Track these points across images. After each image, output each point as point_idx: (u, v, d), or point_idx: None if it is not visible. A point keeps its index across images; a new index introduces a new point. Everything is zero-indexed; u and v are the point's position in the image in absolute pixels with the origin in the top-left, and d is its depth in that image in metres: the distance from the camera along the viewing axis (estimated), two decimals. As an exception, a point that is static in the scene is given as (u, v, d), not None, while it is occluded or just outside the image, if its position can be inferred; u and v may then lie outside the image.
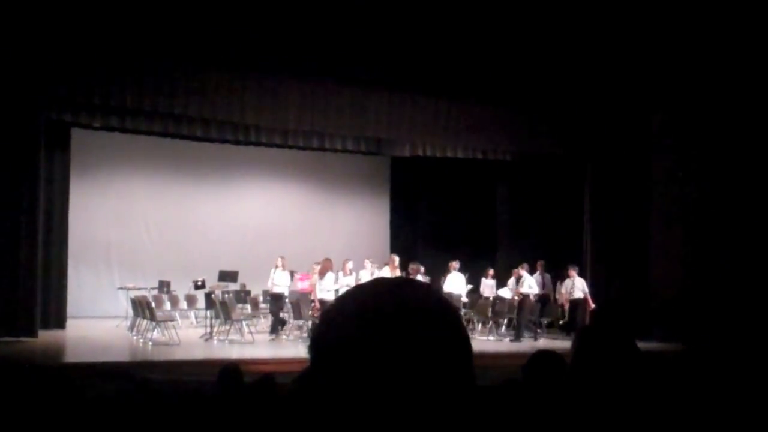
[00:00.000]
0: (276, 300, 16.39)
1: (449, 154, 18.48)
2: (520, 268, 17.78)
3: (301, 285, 17.30)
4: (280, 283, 16.52)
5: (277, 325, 16.33)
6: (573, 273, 17.12)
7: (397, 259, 17.16)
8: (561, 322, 17.66)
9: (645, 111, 17.52)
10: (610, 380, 2.41)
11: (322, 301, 15.48)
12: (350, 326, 1.08)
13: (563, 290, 17.60)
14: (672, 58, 16.64)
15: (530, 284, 17.47)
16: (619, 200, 17.78)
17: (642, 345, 2.58)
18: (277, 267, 16.55)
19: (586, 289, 17.03)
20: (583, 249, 18.21)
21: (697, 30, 15.93)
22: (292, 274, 17.34)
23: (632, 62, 16.85)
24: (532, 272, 17.74)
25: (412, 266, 17.36)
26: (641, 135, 17.61)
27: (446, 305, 1.13)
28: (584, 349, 2.52)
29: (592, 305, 16.97)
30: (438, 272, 18.11)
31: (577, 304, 16.92)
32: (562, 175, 18.99)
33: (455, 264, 17.54)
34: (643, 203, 17.68)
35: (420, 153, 18.44)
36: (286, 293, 16.61)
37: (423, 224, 22.82)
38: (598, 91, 17.35)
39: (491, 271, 18.81)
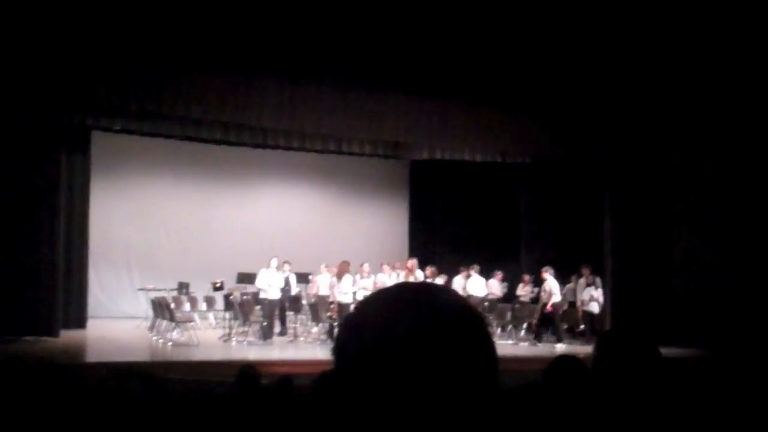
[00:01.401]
0: (270, 303, 16.11)
1: (468, 157, 18.42)
2: (470, 269, 17.83)
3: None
4: (275, 284, 16.19)
5: (269, 330, 15.93)
6: (545, 275, 17.09)
7: (415, 262, 17.15)
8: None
9: (667, 113, 17.36)
10: (631, 386, 2.40)
11: (339, 304, 15.51)
12: (374, 330, 1.08)
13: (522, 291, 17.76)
14: (693, 63, 16.53)
15: (475, 286, 17.45)
16: (641, 203, 17.63)
17: (664, 350, 2.56)
18: (269, 267, 16.29)
19: (555, 291, 16.97)
20: (604, 252, 18.08)
21: (712, 38, 15.85)
22: (307, 276, 17.42)
23: (654, 65, 16.74)
24: (578, 277, 17.56)
25: (429, 269, 17.35)
26: (663, 136, 17.45)
27: (470, 310, 1.13)
28: (606, 354, 2.50)
29: (548, 308, 16.94)
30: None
31: (554, 307, 17.00)
32: (582, 178, 18.86)
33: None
34: (666, 206, 17.53)
35: (438, 156, 18.39)
36: (269, 296, 16.12)
37: (442, 228, 22.74)
38: (620, 92, 17.23)
39: (500, 274, 18.69)
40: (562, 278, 18.04)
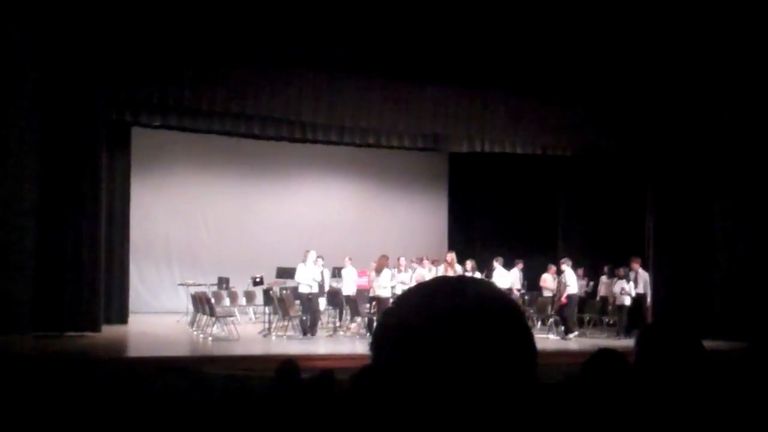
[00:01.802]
0: (307, 298, 15.87)
1: (508, 149, 18.29)
2: (493, 261, 17.81)
3: (358, 281, 17.37)
4: (302, 279, 15.95)
5: (308, 326, 15.71)
6: (563, 266, 17.10)
7: (453, 256, 17.10)
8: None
9: (710, 103, 17.08)
10: (674, 380, 2.36)
11: (378, 298, 15.50)
12: (412, 324, 1.07)
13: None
14: (733, 52, 16.27)
15: (499, 278, 17.43)
16: (683, 195, 17.39)
17: (706, 344, 2.52)
18: (306, 261, 16.02)
19: (570, 283, 16.87)
20: (646, 245, 17.88)
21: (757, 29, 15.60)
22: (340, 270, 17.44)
23: (698, 57, 16.49)
24: (630, 269, 17.35)
25: (469, 263, 17.30)
26: (706, 127, 17.19)
27: (509, 303, 1.12)
28: (648, 347, 2.47)
29: (563, 300, 16.86)
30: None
31: (569, 299, 16.92)
32: (623, 170, 18.67)
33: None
34: (708, 197, 17.28)
35: (478, 149, 18.29)
36: (314, 290, 15.91)
37: (482, 221, 22.64)
38: (661, 84, 17.01)
39: (553, 268, 18.55)
40: (611, 272, 17.91)
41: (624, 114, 17.42)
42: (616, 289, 17.11)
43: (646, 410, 2.35)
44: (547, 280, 18.00)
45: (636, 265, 17.07)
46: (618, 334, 16.43)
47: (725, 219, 17.10)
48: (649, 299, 17.03)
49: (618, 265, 17.56)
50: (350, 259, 17.15)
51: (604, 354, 3.77)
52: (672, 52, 16.47)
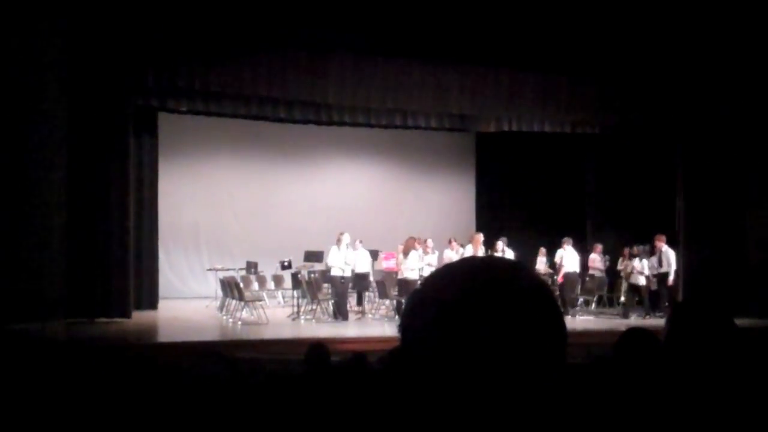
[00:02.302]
0: (339, 282, 15.81)
1: (536, 128, 18.15)
2: (497, 242, 17.64)
3: (386, 264, 17.35)
4: (350, 261, 15.97)
5: (339, 309, 15.73)
6: (564, 246, 17.05)
7: (481, 236, 17.04)
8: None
9: (741, 76, 16.81)
10: (705, 358, 2.33)
11: (405, 280, 15.47)
12: (440, 305, 1.05)
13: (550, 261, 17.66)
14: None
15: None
16: (715, 170, 17.15)
17: (738, 321, 2.49)
18: (340, 244, 15.99)
19: (566, 263, 16.87)
20: (677, 222, 17.67)
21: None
22: (376, 253, 17.39)
23: (728, 34, 16.25)
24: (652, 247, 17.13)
25: (499, 243, 17.25)
26: (738, 101, 16.93)
27: (538, 283, 1.10)
28: (679, 326, 2.44)
29: (560, 279, 16.86)
30: (526, 250, 17.90)
31: (566, 278, 16.87)
32: (653, 147, 18.47)
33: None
34: (741, 172, 17.04)
35: (505, 128, 18.15)
36: (346, 274, 15.84)
37: (510, 201, 22.54)
38: (692, 60, 16.77)
39: (599, 247, 18.28)
40: (650, 251, 17.78)
41: (653, 89, 17.20)
42: (628, 268, 16.97)
43: (677, 389, 2.33)
44: (596, 261, 17.89)
45: (660, 243, 16.64)
46: (644, 314, 16.33)
47: (758, 194, 16.90)
48: (671, 278, 16.58)
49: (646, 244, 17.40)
50: (361, 241, 17.05)
51: (634, 333, 3.73)
52: (699, 24, 16.23)
